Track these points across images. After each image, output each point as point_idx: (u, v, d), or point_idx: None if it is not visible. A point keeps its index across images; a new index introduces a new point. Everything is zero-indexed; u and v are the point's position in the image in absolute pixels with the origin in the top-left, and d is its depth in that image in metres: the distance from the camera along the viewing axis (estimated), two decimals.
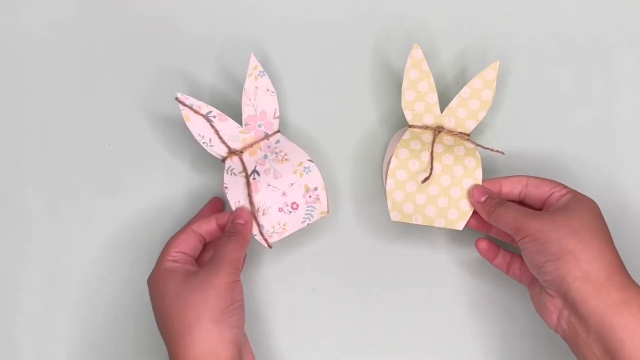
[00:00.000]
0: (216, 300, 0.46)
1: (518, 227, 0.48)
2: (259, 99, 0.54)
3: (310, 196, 0.53)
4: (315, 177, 0.53)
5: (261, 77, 0.54)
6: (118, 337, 0.57)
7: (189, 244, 0.50)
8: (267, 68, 0.58)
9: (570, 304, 0.46)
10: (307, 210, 0.53)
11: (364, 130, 0.59)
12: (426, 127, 0.54)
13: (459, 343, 0.57)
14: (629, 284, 0.45)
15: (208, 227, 0.51)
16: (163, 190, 0.58)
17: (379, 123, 0.59)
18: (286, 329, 0.57)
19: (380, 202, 0.57)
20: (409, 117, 0.54)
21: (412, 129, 0.54)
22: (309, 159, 0.53)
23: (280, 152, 0.54)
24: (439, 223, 0.53)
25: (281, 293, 0.57)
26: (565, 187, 0.51)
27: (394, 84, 0.59)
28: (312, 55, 0.59)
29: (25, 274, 0.57)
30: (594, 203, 0.49)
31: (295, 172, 0.53)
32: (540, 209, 0.52)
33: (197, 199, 0.57)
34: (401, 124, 0.58)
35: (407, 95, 0.54)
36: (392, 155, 0.53)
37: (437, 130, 0.54)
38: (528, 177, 0.52)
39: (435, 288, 0.57)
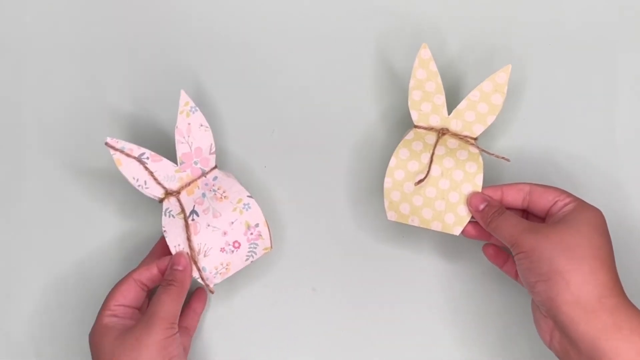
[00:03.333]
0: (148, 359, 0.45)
1: (514, 242, 0.46)
2: (193, 135, 0.52)
3: (252, 233, 0.51)
4: (255, 213, 0.51)
5: (193, 113, 0.52)
6: None
7: (129, 295, 0.49)
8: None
9: (560, 327, 0.44)
10: (249, 248, 0.51)
11: (364, 129, 0.57)
12: (431, 128, 0.53)
13: (456, 343, 0.55)
14: (622, 305, 0.43)
15: (149, 274, 0.50)
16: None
17: (379, 121, 0.57)
18: (286, 330, 0.55)
19: (380, 201, 0.55)
20: (415, 117, 0.53)
21: (417, 129, 0.53)
22: (248, 194, 0.51)
23: (218, 189, 0.52)
24: (436, 226, 0.51)
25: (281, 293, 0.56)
26: (569, 195, 0.48)
27: (396, 82, 0.58)
28: (314, 55, 0.59)
29: (25, 274, 0.56)
30: (598, 213, 0.46)
31: (234, 209, 0.51)
32: (543, 218, 0.49)
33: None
34: (402, 122, 0.57)
35: (413, 95, 0.53)
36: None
37: (442, 132, 0.52)
38: (531, 184, 0.49)
39: (434, 292, 0.56)
